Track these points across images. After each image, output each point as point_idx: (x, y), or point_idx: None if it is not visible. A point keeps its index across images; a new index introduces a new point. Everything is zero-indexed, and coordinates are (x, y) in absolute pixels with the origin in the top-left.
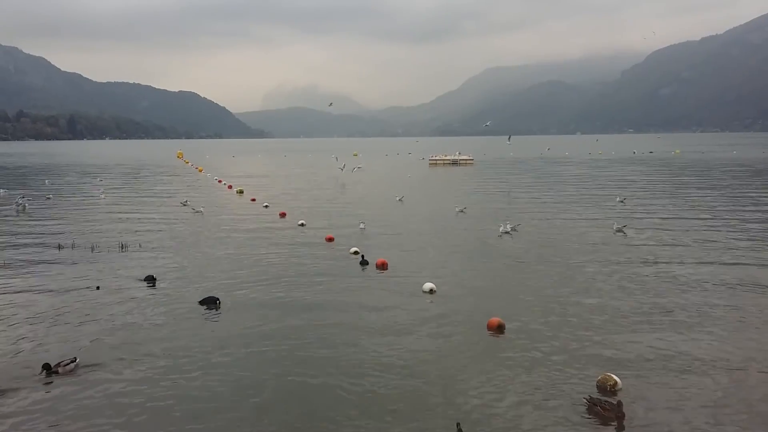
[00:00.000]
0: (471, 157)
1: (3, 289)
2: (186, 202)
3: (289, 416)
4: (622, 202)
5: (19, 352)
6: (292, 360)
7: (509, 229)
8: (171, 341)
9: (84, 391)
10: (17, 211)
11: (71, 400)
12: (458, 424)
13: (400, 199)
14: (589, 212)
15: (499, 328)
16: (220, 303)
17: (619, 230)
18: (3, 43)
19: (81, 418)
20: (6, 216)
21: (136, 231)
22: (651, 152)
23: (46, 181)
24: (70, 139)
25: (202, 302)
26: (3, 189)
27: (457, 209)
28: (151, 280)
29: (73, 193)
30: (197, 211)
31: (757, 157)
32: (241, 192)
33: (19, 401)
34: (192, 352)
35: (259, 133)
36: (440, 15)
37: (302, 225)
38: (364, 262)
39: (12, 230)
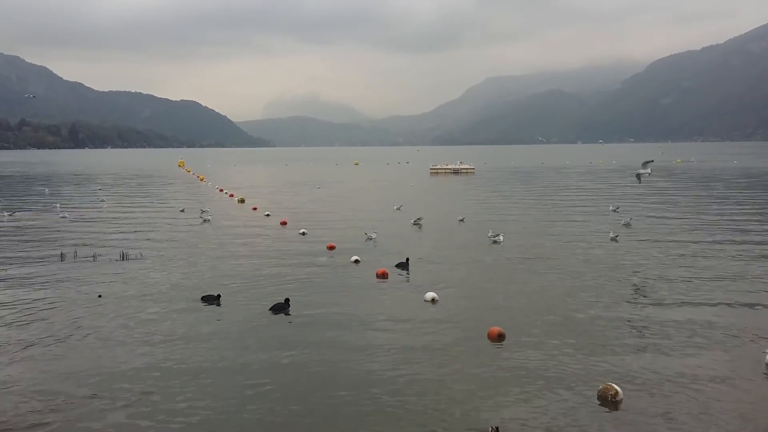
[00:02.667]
0: (472, 166)
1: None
2: (184, 209)
3: (288, 427)
4: (615, 210)
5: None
6: (290, 368)
7: (494, 236)
8: (163, 353)
9: None
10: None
11: None
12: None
13: (398, 208)
14: (588, 221)
15: (500, 337)
16: (289, 303)
17: (613, 239)
18: (5, 53)
19: None
20: (6, 225)
21: (138, 240)
22: (651, 161)
23: (45, 190)
24: (71, 148)
25: (273, 308)
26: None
27: (459, 218)
28: (212, 299)
29: (74, 202)
30: (205, 220)
31: (758, 167)
32: (242, 201)
33: None
34: (185, 365)
35: (260, 142)
36: (441, 25)
37: (303, 233)
38: (401, 265)
39: (13, 239)
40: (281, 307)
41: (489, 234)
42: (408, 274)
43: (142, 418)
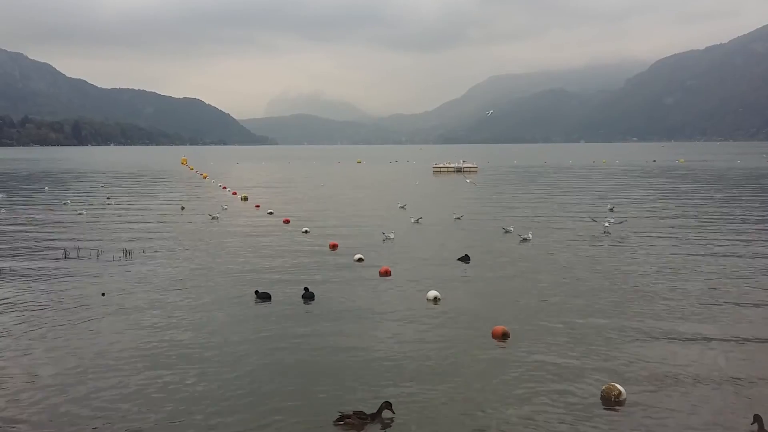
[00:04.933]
0: (475, 165)
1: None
2: (184, 207)
3: (288, 424)
4: (611, 210)
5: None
6: (292, 367)
7: (523, 235)
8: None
9: None
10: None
11: None
12: None
13: (402, 206)
14: (589, 220)
15: (504, 336)
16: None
17: (607, 232)
18: (8, 49)
19: None
20: (9, 221)
21: (141, 237)
22: (654, 161)
23: (45, 187)
24: (74, 144)
25: (305, 296)
26: (1, 194)
27: (454, 216)
28: (264, 297)
29: (78, 200)
30: (214, 217)
31: (762, 167)
32: (245, 198)
33: None
34: (189, 360)
35: (263, 140)
36: (445, 23)
37: (306, 232)
38: (464, 259)
39: (13, 236)
40: (310, 296)
41: (503, 227)
42: (468, 263)
43: (146, 415)
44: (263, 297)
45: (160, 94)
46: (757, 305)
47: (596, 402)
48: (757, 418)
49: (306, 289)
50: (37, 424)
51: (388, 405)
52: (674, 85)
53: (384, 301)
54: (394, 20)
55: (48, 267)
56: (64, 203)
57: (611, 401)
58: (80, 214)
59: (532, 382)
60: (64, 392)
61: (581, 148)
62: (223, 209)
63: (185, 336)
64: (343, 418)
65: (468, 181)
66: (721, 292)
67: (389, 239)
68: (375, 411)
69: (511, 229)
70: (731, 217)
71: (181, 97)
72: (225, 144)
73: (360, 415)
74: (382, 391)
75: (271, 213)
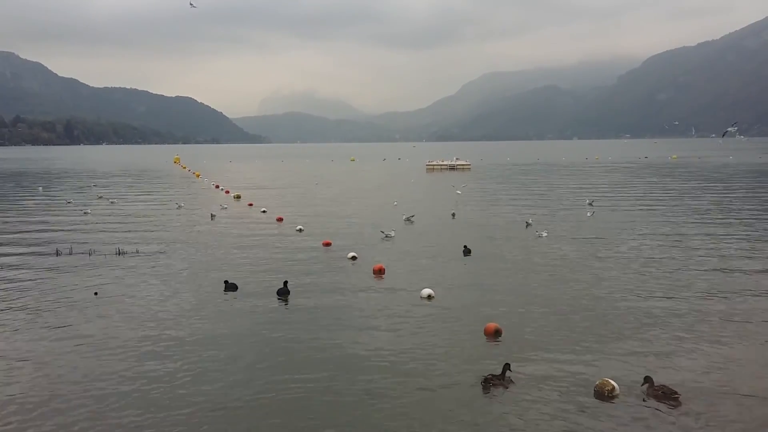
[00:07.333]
0: (468, 163)
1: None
2: (182, 206)
3: (284, 421)
4: (590, 204)
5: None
6: (286, 366)
7: (539, 232)
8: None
9: None
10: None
11: None
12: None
13: (397, 204)
14: (582, 218)
15: (496, 334)
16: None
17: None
18: (0, 49)
19: None
20: (4, 220)
21: (133, 236)
22: (646, 157)
23: (40, 188)
24: (67, 144)
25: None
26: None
27: (450, 212)
28: (231, 287)
29: (71, 198)
30: (213, 215)
31: (752, 162)
32: (238, 197)
33: None
34: (181, 360)
35: (256, 138)
36: (439, 21)
37: (300, 230)
38: (467, 252)
39: (5, 235)
40: (285, 292)
41: (526, 221)
42: (470, 254)
43: (139, 417)
44: (231, 288)
45: (152, 93)
46: (748, 296)
47: (590, 397)
48: (647, 379)
49: (285, 283)
50: (25, 425)
51: (508, 366)
52: (666, 82)
53: (376, 298)
54: (387, 18)
55: (39, 266)
56: (68, 202)
57: (604, 396)
58: (86, 213)
59: (524, 378)
60: (53, 391)
61: (574, 145)
62: (222, 208)
63: (177, 335)
64: (488, 380)
65: (458, 192)
66: (714, 286)
67: (390, 237)
68: (501, 372)
69: (531, 221)
70: (723, 211)
71: (174, 95)
72: (218, 142)
73: (498, 377)
74: (371, 388)
75: (264, 211)
